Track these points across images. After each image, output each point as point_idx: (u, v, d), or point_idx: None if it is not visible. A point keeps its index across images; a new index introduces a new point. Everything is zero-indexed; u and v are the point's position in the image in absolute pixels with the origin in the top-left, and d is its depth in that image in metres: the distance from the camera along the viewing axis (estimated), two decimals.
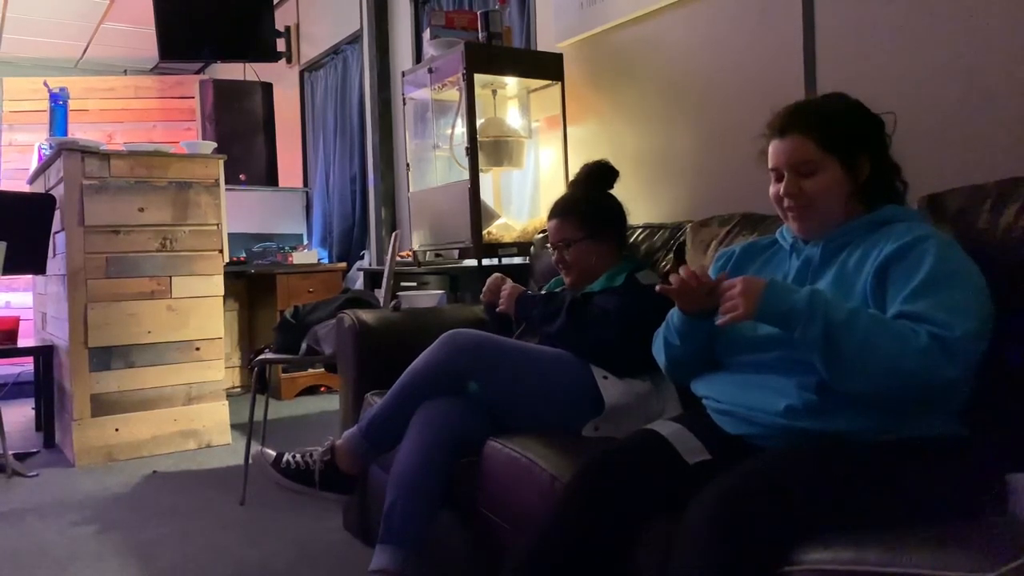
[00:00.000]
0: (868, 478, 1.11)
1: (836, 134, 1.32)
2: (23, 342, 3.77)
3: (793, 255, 1.41)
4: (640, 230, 2.26)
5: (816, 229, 1.35)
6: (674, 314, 1.44)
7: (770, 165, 1.38)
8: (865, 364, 1.12)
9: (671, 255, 2.14)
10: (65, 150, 3.26)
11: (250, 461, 2.62)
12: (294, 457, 1.83)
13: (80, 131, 5.29)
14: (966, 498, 1.11)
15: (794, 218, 1.37)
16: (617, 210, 2.06)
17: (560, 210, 2.04)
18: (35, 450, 3.48)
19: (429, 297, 2.55)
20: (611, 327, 1.77)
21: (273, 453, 1.85)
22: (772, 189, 1.39)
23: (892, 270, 1.21)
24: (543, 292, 2.13)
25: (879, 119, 1.37)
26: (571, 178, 2.14)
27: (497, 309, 2.07)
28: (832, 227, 1.34)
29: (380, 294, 3.06)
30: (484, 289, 2.17)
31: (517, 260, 3.00)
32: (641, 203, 2.08)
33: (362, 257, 4.90)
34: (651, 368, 1.63)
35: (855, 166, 1.33)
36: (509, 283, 2.08)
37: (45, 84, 4.68)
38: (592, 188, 2.07)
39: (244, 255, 4.65)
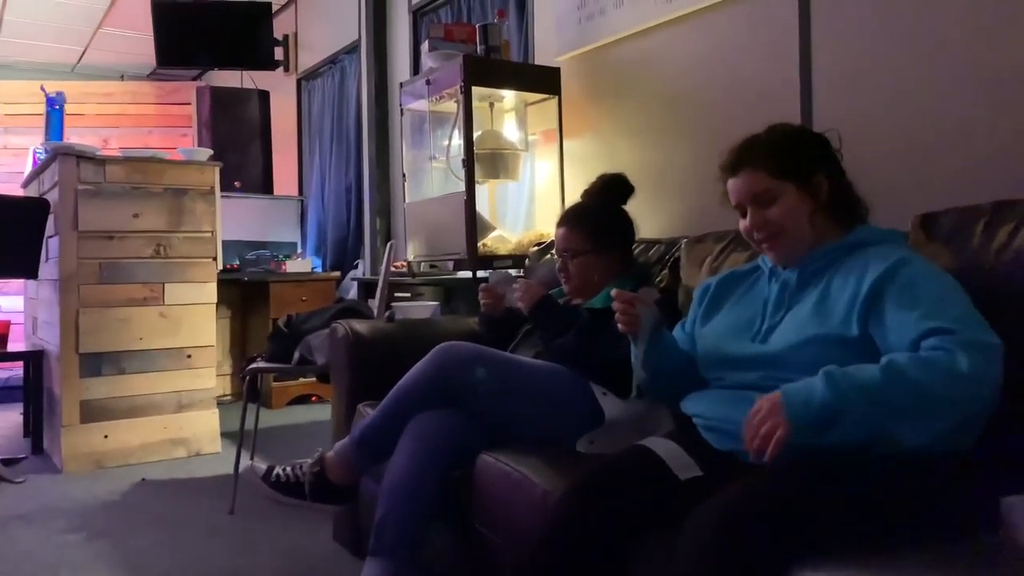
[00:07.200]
0: (862, 495, 1.10)
1: (784, 159, 1.37)
2: (13, 346, 3.75)
3: (772, 280, 1.43)
4: (636, 245, 2.26)
5: (791, 254, 1.38)
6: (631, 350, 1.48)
7: (732, 203, 1.43)
8: (926, 408, 1.09)
9: (666, 271, 2.14)
10: (60, 154, 3.25)
11: (240, 475, 2.61)
12: (284, 470, 1.82)
13: (76, 136, 5.26)
14: (963, 517, 1.11)
15: (768, 248, 1.41)
16: (626, 226, 2.05)
17: (569, 220, 2.03)
18: (23, 456, 3.44)
19: (423, 308, 2.55)
20: (622, 351, 1.75)
21: (264, 467, 1.84)
22: (740, 225, 1.43)
23: (887, 292, 1.21)
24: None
25: (823, 137, 1.42)
26: (586, 187, 2.12)
27: (516, 297, 1.98)
28: (806, 249, 1.36)
29: (374, 304, 3.05)
30: (483, 292, 2.11)
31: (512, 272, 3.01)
32: (637, 218, 2.09)
33: (356, 267, 4.89)
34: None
35: (812, 185, 1.37)
36: (530, 282, 2.04)
37: (42, 88, 4.66)
38: (605, 201, 2.06)
39: (238, 262, 4.65)
